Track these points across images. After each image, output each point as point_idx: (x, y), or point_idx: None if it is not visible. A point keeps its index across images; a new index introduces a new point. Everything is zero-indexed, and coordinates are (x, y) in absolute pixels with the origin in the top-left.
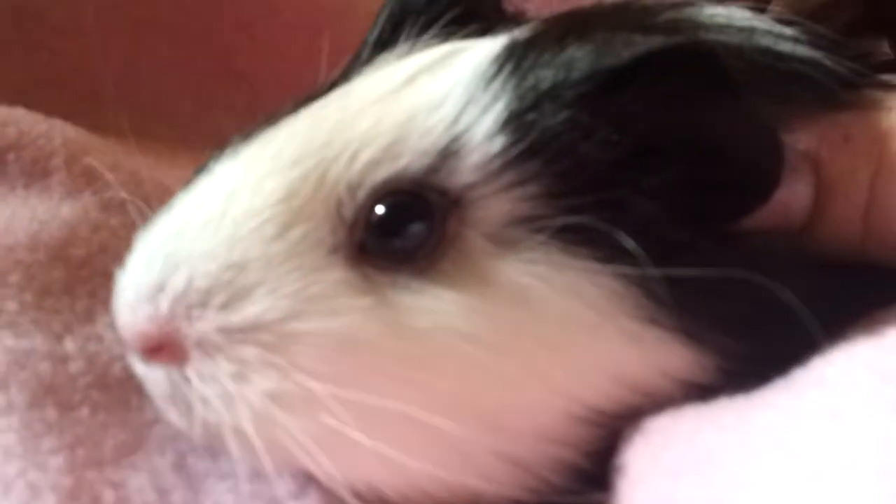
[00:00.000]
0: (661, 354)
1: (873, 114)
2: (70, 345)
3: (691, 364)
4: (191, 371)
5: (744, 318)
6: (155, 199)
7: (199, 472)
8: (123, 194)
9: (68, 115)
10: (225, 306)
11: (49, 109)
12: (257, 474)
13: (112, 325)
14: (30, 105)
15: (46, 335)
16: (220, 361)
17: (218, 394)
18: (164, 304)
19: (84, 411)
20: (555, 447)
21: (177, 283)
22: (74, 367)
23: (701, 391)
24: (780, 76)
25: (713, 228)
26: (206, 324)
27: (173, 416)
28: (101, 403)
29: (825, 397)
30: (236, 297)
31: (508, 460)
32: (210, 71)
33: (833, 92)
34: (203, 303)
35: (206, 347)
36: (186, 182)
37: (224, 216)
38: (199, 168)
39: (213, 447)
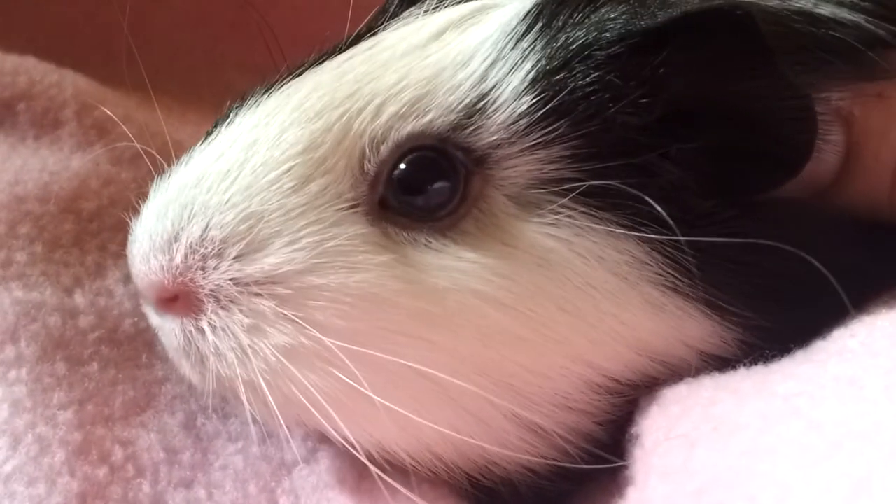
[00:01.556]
0: (683, 324)
1: None
2: (80, 299)
3: (712, 336)
4: (205, 323)
5: (766, 290)
6: (166, 152)
7: (209, 432)
8: (137, 146)
9: (80, 67)
10: (241, 257)
11: (60, 60)
12: (267, 437)
13: (125, 279)
14: (41, 55)
15: (56, 288)
16: (234, 313)
17: (231, 346)
18: (179, 254)
19: (93, 366)
20: (571, 414)
21: (192, 233)
22: (84, 321)
23: (720, 364)
24: (817, 43)
25: (740, 199)
26: (220, 274)
27: (186, 368)
28: (110, 359)
29: (846, 367)
30: (253, 248)
31: (524, 425)
32: (224, 27)
33: (871, 61)
34: (219, 253)
35: (221, 299)
36: (205, 133)
37: (243, 167)
38: (220, 119)
39: (225, 404)
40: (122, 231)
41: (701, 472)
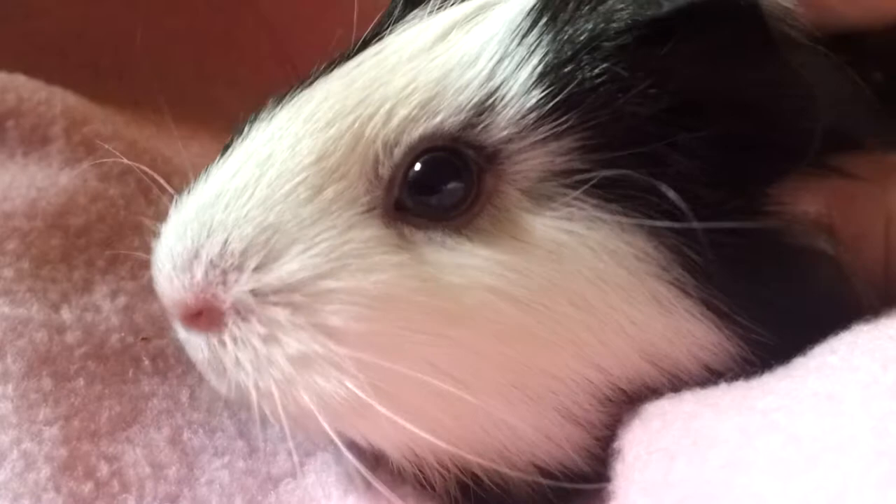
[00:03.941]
0: (689, 327)
1: (875, 164)
2: (67, 314)
3: (716, 345)
4: (226, 335)
5: (774, 295)
6: (155, 169)
7: (195, 447)
8: (127, 161)
9: (69, 84)
10: (259, 268)
11: (50, 77)
12: (253, 452)
13: (112, 294)
14: (30, 72)
15: (43, 304)
16: (253, 324)
17: (249, 357)
18: (199, 271)
19: (80, 382)
20: (577, 427)
21: (212, 249)
22: (71, 337)
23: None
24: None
25: (749, 189)
26: (240, 287)
27: (212, 380)
28: (97, 374)
29: (824, 382)
30: (271, 258)
31: (538, 429)
32: (213, 43)
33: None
34: (238, 266)
35: (241, 311)
36: (222, 148)
37: (259, 182)
38: (235, 133)
39: (211, 419)
40: (109, 247)
41: (680, 486)
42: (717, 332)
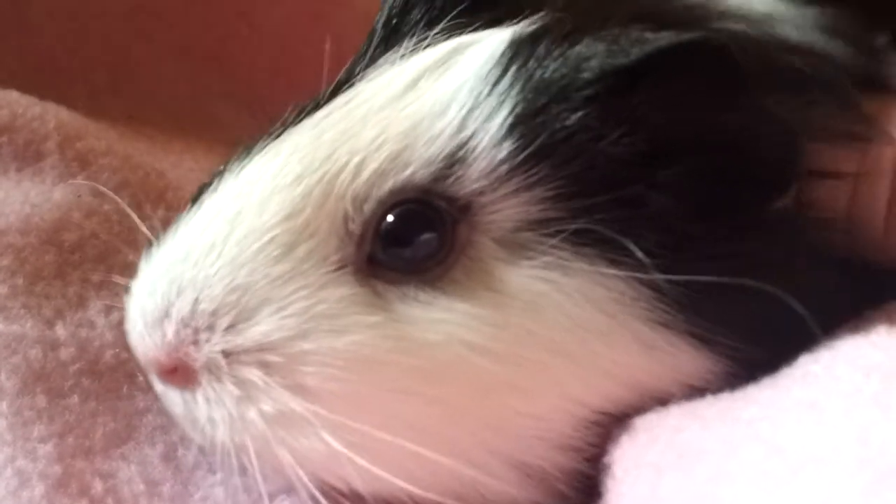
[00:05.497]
0: (674, 360)
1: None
2: (61, 330)
3: (702, 370)
4: (199, 394)
5: (754, 318)
6: (149, 184)
7: (189, 464)
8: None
9: (63, 99)
10: (231, 328)
11: (44, 93)
12: (247, 468)
13: (107, 310)
14: (24, 88)
15: (37, 320)
16: (226, 384)
17: (223, 417)
18: (171, 330)
19: (74, 399)
20: (567, 454)
21: (182, 307)
22: (65, 353)
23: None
24: (794, 73)
25: (729, 220)
26: (212, 347)
27: (190, 432)
28: (91, 391)
29: (807, 392)
30: (242, 318)
31: (522, 468)
32: (207, 58)
33: (847, 93)
34: (209, 326)
35: (213, 370)
36: (190, 200)
37: (228, 239)
38: (203, 186)
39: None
40: (104, 262)
41: (668, 500)
42: (704, 358)
